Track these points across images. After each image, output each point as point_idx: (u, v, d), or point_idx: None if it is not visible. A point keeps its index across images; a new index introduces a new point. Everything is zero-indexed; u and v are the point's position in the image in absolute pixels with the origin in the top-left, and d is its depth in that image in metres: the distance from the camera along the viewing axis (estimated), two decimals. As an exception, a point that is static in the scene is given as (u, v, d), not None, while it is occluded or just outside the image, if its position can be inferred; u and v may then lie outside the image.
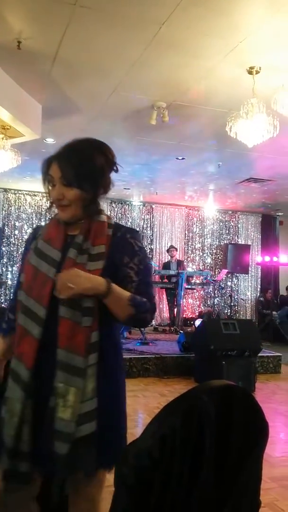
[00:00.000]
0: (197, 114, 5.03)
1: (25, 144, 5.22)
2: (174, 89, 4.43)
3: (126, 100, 4.69)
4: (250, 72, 3.92)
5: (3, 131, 4.64)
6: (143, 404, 4.57)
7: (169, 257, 9.42)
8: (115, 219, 8.05)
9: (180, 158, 6.71)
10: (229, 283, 10.71)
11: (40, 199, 9.43)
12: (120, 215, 10.01)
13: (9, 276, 9.18)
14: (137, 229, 9.98)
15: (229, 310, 10.52)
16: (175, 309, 8.79)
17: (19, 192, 9.28)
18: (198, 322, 7.52)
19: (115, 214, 9.96)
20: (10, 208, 9.27)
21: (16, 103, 4.36)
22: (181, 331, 7.60)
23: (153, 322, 9.67)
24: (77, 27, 3.39)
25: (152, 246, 10.19)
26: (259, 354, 5.59)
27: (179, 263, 9.28)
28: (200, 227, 10.63)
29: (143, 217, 10.20)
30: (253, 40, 3.50)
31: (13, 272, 9.18)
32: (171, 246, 9.58)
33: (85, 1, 3.07)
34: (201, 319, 7.84)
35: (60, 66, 4.01)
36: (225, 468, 1.03)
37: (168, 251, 9.56)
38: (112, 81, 4.29)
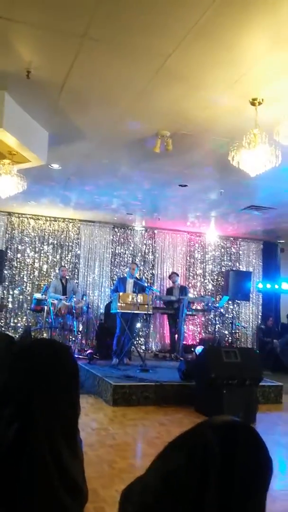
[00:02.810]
0: (200, 143, 5.11)
1: (31, 169, 5.29)
2: (178, 119, 4.52)
3: (131, 128, 4.78)
4: (253, 104, 4.00)
5: (10, 156, 4.71)
6: (142, 433, 4.49)
7: (171, 282, 9.39)
8: (117, 244, 8.12)
9: (182, 185, 6.78)
10: (230, 310, 10.64)
11: (44, 223, 9.50)
12: (122, 240, 10.05)
13: (10, 299, 9.15)
14: (139, 254, 10.02)
15: (230, 337, 10.43)
16: (176, 335, 8.72)
17: (23, 215, 9.35)
18: (199, 349, 7.45)
19: (117, 239, 10.00)
20: (13, 231, 9.32)
21: (23, 130, 4.44)
22: (182, 358, 7.53)
23: (154, 348, 9.57)
24: (85, 58, 3.49)
25: (153, 271, 10.19)
26: (260, 383, 5.51)
27: (182, 289, 9.25)
28: (201, 253, 10.65)
29: (145, 242, 10.24)
30: (256, 72, 3.59)
31: (15, 295, 9.16)
32: (173, 272, 9.57)
33: (94, 34, 3.17)
34: (202, 346, 7.77)
35: (67, 95, 4.10)
36: (229, 506, 1.01)
37: (170, 277, 9.55)
38: (118, 110, 4.38)
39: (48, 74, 3.78)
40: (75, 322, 8.08)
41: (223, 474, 0.95)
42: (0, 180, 4.63)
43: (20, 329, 9.07)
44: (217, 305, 9.48)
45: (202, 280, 10.60)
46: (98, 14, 2.97)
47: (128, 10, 2.94)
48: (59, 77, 3.82)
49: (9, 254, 9.21)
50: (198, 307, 9.52)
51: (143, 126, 4.71)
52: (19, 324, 9.14)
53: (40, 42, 3.37)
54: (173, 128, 4.72)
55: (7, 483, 2.19)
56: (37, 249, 9.45)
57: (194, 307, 9.19)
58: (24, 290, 9.24)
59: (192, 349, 8.85)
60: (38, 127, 4.76)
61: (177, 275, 9.50)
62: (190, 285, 10.35)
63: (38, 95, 4.14)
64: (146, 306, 7.04)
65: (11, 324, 9.10)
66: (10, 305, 9.12)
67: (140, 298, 7.05)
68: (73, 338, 8.50)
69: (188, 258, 10.52)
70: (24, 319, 9.17)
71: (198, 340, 9.94)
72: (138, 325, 8.05)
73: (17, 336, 8.40)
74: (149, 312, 7.22)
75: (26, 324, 9.03)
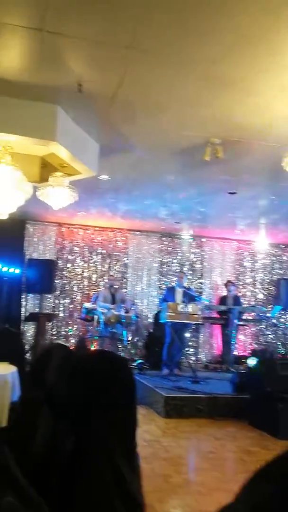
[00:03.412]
0: (251, 150, 5.00)
1: (80, 180, 5.37)
2: (228, 126, 4.44)
3: (180, 137, 4.75)
4: (307, 108, 3.87)
5: (61, 169, 4.81)
6: (196, 447, 4.39)
7: (227, 291, 9.21)
8: (165, 253, 8.09)
9: (232, 192, 6.66)
10: (282, 320, 10.30)
11: (92, 233, 9.63)
12: (170, 249, 10.01)
13: (61, 308, 9.32)
14: (187, 263, 9.93)
15: (283, 349, 10.08)
16: (227, 346, 8.53)
17: (72, 226, 9.53)
18: (250, 361, 7.24)
19: (165, 248, 9.97)
20: (63, 242, 9.51)
21: (75, 143, 4.52)
22: (233, 370, 7.35)
23: (204, 359, 9.42)
24: (134, 69, 3.51)
25: (202, 280, 10.06)
26: None
27: (236, 299, 9.06)
28: (251, 262, 10.41)
29: (193, 251, 10.14)
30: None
31: (65, 304, 9.32)
32: (228, 281, 9.39)
33: (141, 45, 3.18)
34: (254, 358, 7.54)
35: (118, 107, 4.14)
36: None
37: (225, 285, 9.37)
38: (166, 119, 4.37)
39: (98, 87, 3.82)
40: (124, 332, 8.09)
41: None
42: (53, 192, 4.74)
43: (71, 338, 9.21)
44: (269, 315, 9.20)
45: (252, 289, 10.34)
46: (145, 25, 2.98)
47: (175, 19, 2.92)
48: (109, 89, 3.85)
49: (59, 264, 9.40)
50: (249, 317, 9.28)
51: (192, 134, 4.67)
52: (69, 333, 9.28)
53: (90, 55, 3.41)
54: (223, 135, 4.64)
55: (64, 498, 2.18)
56: (86, 259, 9.59)
57: (245, 317, 8.97)
58: (74, 299, 9.39)
59: (244, 360, 8.62)
60: (89, 139, 4.83)
61: (233, 284, 9.32)
62: (239, 294, 10.13)
63: (89, 107, 4.20)
64: (196, 316, 6.94)
65: (62, 332, 9.26)
66: (61, 314, 9.29)
67: (189, 307, 6.95)
68: (123, 348, 8.51)
69: (237, 266, 10.31)
70: (74, 328, 9.30)
71: (249, 351, 9.67)
72: (187, 335, 7.94)
73: (68, 345, 8.52)
74: (199, 322, 7.10)
75: (79, 333, 9.15)
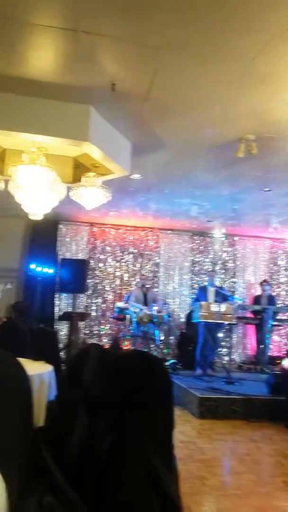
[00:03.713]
0: (286, 146, 4.88)
1: (112, 180, 5.38)
2: (263, 122, 4.34)
3: (213, 134, 4.68)
4: None
5: (94, 169, 4.83)
6: (232, 449, 4.32)
7: (261, 291, 9.04)
8: (197, 252, 8.03)
9: (266, 189, 6.52)
10: None
11: (124, 232, 9.66)
12: (202, 248, 9.92)
13: (94, 308, 9.39)
14: (219, 262, 9.81)
15: None
16: (261, 346, 8.38)
17: (104, 226, 9.58)
18: (285, 362, 7.08)
19: (196, 247, 9.88)
20: (95, 241, 9.58)
21: (108, 142, 4.53)
22: (267, 371, 7.21)
23: (237, 359, 9.28)
24: (167, 68, 3.47)
25: (235, 280, 9.92)
26: None
27: (271, 298, 8.88)
28: (285, 260, 10.18)
29: (225, 249, 10.01)
30: None
31: (98, 304, 9.39)
32: (264, 280, 9.21)
33: (173, 43, 3.14)
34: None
35: (150, 105, 4.11)
36: None
37: (261, 284, 9.21)
38: (199, 116, 4.31)
39: (132, 86, 3.81)
40: (156, 331, 8.07)
41: None
42: (86, 192, 4.76)
43: (104, 337, 9.27)
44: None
45: (287, 288, 10.11)
46: (180, 22, 2.94)
47: (210, 16, 2.87)
48: (142, 88, 3.83)
49: (91, 263, 9.47)
50: (284, 317, 9.08)
51: (226, 131, 4.59)
52: (102, 332, 9.35)
53: (123, 54, 3.40)
54: (257, 132, 4.54)
55: (100, 497, 2.17)
56: (118, 258, 9.63)
57: (279, 317, 8.78)
58: (107, 298, 9.45)
59: (278, 361, 8.44)
60: (122, 138, 4.83)
61: (268, 283, 9.14)
62: (274, 294, 9.93)
63: (122, 107, 4.20)
64: (229, 315, 6.84)
65: (95, 332, 9.33)
66: (93, 313, 9.36)
67: (223, 307, 6.86)
68: (155, 347, 8.49)
69: (271, 265, 10.11)
70: (107, 327, 9.36)
71: (284, 352, 9.46)
72: (220, 335, 7.85)
73: (101, 343, 8.58)
74: (232, 322, 6.99)
75: (111, 332, 9.20)
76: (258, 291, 9.31)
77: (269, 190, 6.56)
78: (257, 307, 8.46)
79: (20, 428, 2.16)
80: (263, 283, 9.06)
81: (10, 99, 4.02)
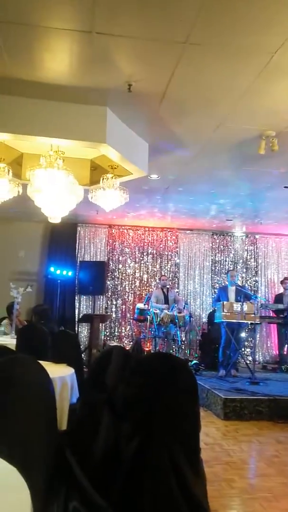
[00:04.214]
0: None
1: (129, 181, 5.36)
2: (285, 117, 4.25)
3: (233, 131, 4.61)
4: None
5: (111, 170, 4.81)
6: (259, 451, 4.23)
7: (283, 289, 8.87)
8: (217, 251, 7.91)
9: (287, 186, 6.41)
10: None
11: (142, 233, 9.63)
12: (222, 247, 9.81)
13: (114, 309, 9.39)
14: (241, 261, 9.68)
15: None
16: (286, 346, 8.23)
17: (123, 227, 9.58)
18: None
19: (216, 246, 9.79)
20: (114, 243, 9.57)
21: (125, 143, 4.50)
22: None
23: (261, 359, 9.14)
24: (187, 64, 3.42)
25: (256, 278, 9.78)
26: None
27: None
28: (308, 258, 9.99)
29: (246, 248, 9.89)
30: None
31: (118, 305, 9.38)
32: (286, 278, 9.05)
33: (195, 38, 3.09)
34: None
35: (167, 104, 4.07)
36: None
37: (282, 282, 9.05)
38: (219, 114, 4.25)
39: (148, 85, 3.77)
40: (178, 332, 8.01)
41: None
42: (104, 194, 4.74)
43: (124, 339, 9.25)
44: None
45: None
46: (200, 18, 2.89)
47: (231, 10, 2.82)
48: (159, 87, 3.80)
49: (110, 265, 9.47)
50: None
51: (246, 127, 4.52)
52: (123, 333, 9.33)
53: (140, 54, 3.36)
54: (278, 127, 4.45)
55: (128, 499, 2.12)
56: (137, 260, 9.60)
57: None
58: (127, 300, 9.43)
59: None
60: (139, 139, 4.80)
61: None
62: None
63: (138, 107, 4.17)
64: (252, 315, 6.73)
65: (116, 333, 9.32)
66: (113, 315, 9.35)
67: (245, 306, 6.76)
68: (177, 348, 8.43)
69: (293, 263, 9.94)
70: (127, 329, 9.34)
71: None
72: (243, 334, 7.73)
73: (122, 345, 8.56)
74: (256, 322, 6.88)
75: (132, 334, 9.18)
76: (280, 289, 9.16)
77: (291, 187, 6.44)
78: (280, 306, 8.31)
79: (44, 432, 2.14)
80: (285, 281, 8.90)
81: (27, 104, 4.04)
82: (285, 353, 8.32)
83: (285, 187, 6.39)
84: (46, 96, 3.99)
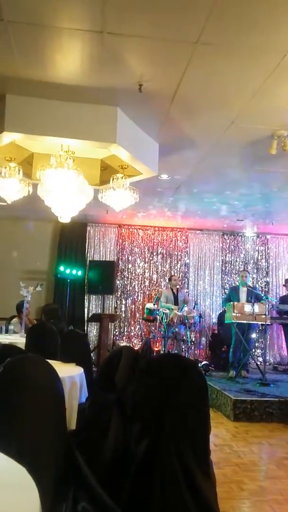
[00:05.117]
0: None
1: (140, 181, 5.35)
2: (296, 116, 4.21)
3: (244, 131, 4.58)
4: None
5: (121, 170, 4.81)
6: (269, 453, 4.20)
7: (286, 290, 8.83)
8: (227, 251, 7.88)
9: (299, 186, 6.35)
10: None
11: (152, 233, 9.62)
12: (232, 247, 9.76)
13: (123, 309, 9.39)
14: (251, 261, 9.63)
15: None
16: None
17: (132, 227, 9.57)
18: None
19: (227, 246, 9.74)
20: (124, 242, 9.58)
21: (135, 143, 4.50)
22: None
23: (272, 361, 9.08)
24: (198, 64, 3.40)
25: (267, 279, 9.72)
26: None
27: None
28: None
29: (257, 248, 9.82)
30: None
31: (127, 305, 9.38)
32: (286, 280, 9.00)
33: (207, 38, 3.07)
34: None
35: (178, 104, 4.05)
36: None
37: (285, 284, 9.01)
38: (230, 114, 4.22)
39: (159, 85, 3.76)
40: (187, 332, 7.98)
41: None
42: (114, 194, 4.74)
43: (134, 338, 9.25)
44: None
45: None
46: (212, 18, 2.86)
47: (243, 10, 2.79)
48: (170, 87, 3.78)
49: (120, 264, 9.47)
50: None
51: (258, 127, 4.48)
52: (132, 333, 9.33)
53: (151, 54, 3.35)
54: (289, 127, 4.41)
55: (137, 500, 2.11)
56: (146, 259, 9.59)
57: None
58: (136, 299, 9.43)
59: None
60: (149, 139, 4.79)
61: None
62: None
63: (149, 107, 4.15)
64: (263, 316, 6.68)
65: (125, 333, 9.32)
66: (123, 315, 9.36)
67: (256, 307, 6.71)
68: (187, 349, 8.41)
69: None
70: (137, 329, 9.34)
71: None
72: (254, 335, 7.68)
73: (131, 345, 8.56)
74: (267, 323, 6.83)
75: (141, 334, 9.17)
76: (284, 292, 9.10)
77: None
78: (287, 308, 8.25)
79: (53, 432, 2.14)
80: (287, 284, 8.85)
81: (38, 104, 4.05)
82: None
83: (297, 187, 6.33)
84: (57, 96, 4.00)
